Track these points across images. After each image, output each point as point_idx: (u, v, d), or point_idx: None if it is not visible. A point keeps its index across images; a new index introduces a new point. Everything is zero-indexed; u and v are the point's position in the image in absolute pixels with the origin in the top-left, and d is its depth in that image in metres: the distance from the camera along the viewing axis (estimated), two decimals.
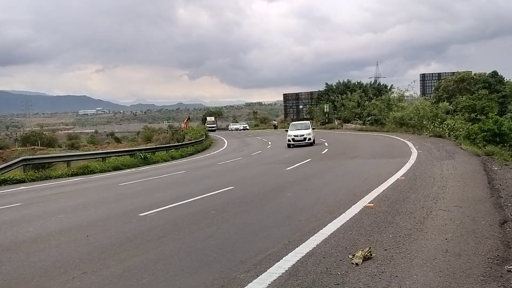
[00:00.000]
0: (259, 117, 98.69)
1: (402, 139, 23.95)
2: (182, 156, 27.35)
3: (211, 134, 52.27)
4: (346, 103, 55.49)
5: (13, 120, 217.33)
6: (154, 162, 23.22)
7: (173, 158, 26.16)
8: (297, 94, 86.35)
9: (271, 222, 6.30)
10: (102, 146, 57.97)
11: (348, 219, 6.06)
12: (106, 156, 22.45)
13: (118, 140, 79.13)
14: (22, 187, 14.34)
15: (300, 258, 4.39)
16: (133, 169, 20.00)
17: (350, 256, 4.34)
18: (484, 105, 44.65)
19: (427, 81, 76.96)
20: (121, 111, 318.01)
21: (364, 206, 6.84)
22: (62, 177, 17.38)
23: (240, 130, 70.82)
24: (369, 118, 43.56)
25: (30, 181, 16.18)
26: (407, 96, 43.20)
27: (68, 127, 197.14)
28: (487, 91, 49.03)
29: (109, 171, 19.47)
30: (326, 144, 25.50)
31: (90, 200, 10.26)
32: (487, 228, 5.21)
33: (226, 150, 30.27)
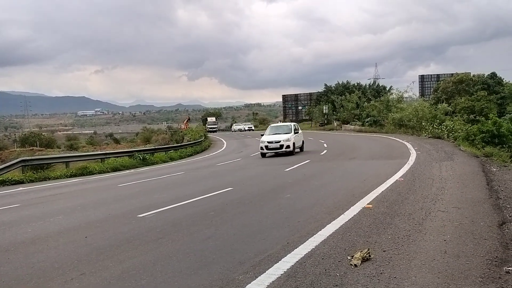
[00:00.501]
0: (258, 118, 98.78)
1: (401, 140, 23.98)
2: (181, 157, 27.34)
3: (210, 135, 52.16)
4: (345, 104, 55.55)
5: (12, 121, 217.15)
6: (153, 163, 23.20)
7: (172, 159, 26.14)
8: (296, 95, 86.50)
9: (270, 223, 6.29)
10: (101, 147, 57.90)
11: (347, 220, 6.06)
12: (105, 157, 22.44)
13: (117, 141, 79.08)
14: (21, 188, 14.32)
15: (299, 259, 4.39)
16: (132, 170, 19.99)
17: (349, 258, 4.34)
18: (483, 106, 44.77)
19: (426, 82, 77.21)
20: (120, 112, 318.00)
21: (363, 207, 6.84)
22: (61, 178, 17.36)
23: (244, 130, 68.45)
24: (368, 119, 43.61)
25: (28, 182, 16.16)
26: (406, 97, 43.28)
27: (67, 128, 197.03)
28: (486, 93, 49.16)
29: (108, 172, 19.45)
30: (325, 145, 25.51)
31: (89, 201, 10.25)
32: (486, 229, 5.22)
33: (225, 151, 30.27)
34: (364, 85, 67.76)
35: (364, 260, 4.23)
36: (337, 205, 7.19)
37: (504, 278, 3.68)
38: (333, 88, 68.44)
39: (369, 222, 5.87)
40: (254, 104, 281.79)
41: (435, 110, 33.89)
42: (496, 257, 4.20)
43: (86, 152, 37.27)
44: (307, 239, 5.13)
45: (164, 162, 24.17)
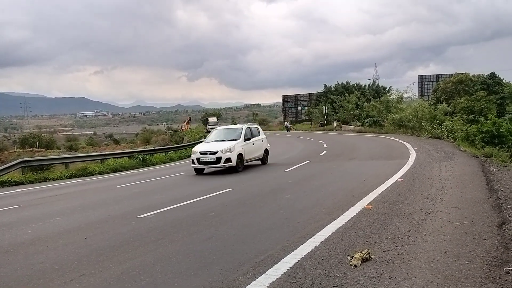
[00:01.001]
0: (258, 119, 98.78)
1: (400, 141, 23.98)
2: (181, 158, 27.31)
3: None
4: (344, 105, 55.60)
5: (12, 122, 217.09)
6: (152, 164, 23.18)
7: (172, 159, 26.12)
8: (296, 96, 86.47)
9: (270, 223, 6.29)
10: (101, 148, 57.91)
11: (346, 220, 6.06)
12: (104, 158, 22.41)
13: (116, 142, 79.06)
14: (21, 189, 14.31)
15: (299, 260, 4.39)
16: (132, 171, 19.97)
17: (349, 258, 4.34)
18: (482, 106, 44.76)
19: (426, 83, 77.23)
20: (119, 113, 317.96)
21: (362, 208, 6.85)
22: (61, 179, 17.34)
23: None
24: (368, 119, 43.63)
25: (28, 183, 16.14)
26: (405, 98, 43.29)
27: (66, 129, 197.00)
28: (486, 93, 49.18)
29: (108, 173, 19.43)
30: (324, 145, 25.51)
31: (89, 202, 10.24)
32: (486, 229, 5.22)
33: None
34: (363, 85, 67.85)
35: (364, 260, 4.23)
36: (337, 206, 7.19)
37: (504, 278, 3.68)
38: (332, 89, 68.48)
39: (369, 223, 5.87)
40: (253, 104, 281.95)
41: (435, 111, 33.93)
42: (496, 257, 4.21)
43: (86, 153, 37.29)
44: (307, 240, 5.13)
45: (164, 163, 24.15)
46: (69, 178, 17.72)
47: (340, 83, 69.46)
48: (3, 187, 15.39)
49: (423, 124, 29.32)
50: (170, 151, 29.21)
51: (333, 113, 59.70)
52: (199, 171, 14.79)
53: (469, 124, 27.83)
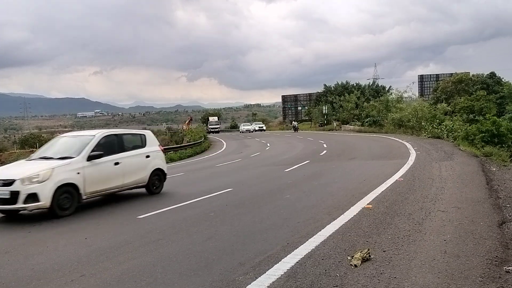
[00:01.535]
0: (257, 119, 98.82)
1: (400, 140, 23.98)
2: (180, 158, 27.30)
3: (209, 136, 51.94)
4: (344, 105, 55.59)
5: (12, 123, 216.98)
6: None
7: (172, 160, 26.08)
8: (295, 96, 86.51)
9: (270, 224, 6.29)
10: None
11: (346, 220, 6.06)
12: None
13: None
14: None
15: (299, 260, 4.39)
16: None
17: (349, 258, 4.34)
18: (482, 106, 44.81)
19: (425, 83, 77.29)
20: (119, 113, 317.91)
21: (362, 208, 6.85)
22: None
23: (254, 131, 60.38)
24: (368, 119, 43.61)
25: None
26: (405, 98, 43.27)
27: (66, 129, 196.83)
28: (485, 92, 49.24)
29: None
30: (324, 145, 25.50)
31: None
32: (486, 229, 5.22)
33: (225, 152, 30.24)
34: (363, 85, 67.83)
35: (364, 260, 4.23)
36: (337, 206, 7.19)
37: (504, 277, 3.68)
38: (332, 89, 68.47)
39: (369, 222, 5.87)
40: (253, 104, 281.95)
41: (435, 110, 33.91)
42: (496, 256, 4.21)
43: None
44: (307, 240, 5.13)
45: None
46: None
47: (339, 83, 69.48)
48: None
49: (423, 123, 29.31)
50: (170, 151, 29.19)
51: (333, 113, 59.70)
52: None
53: (469, 124, 27.86)
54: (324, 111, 59.88)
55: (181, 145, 34.10)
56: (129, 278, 4.26)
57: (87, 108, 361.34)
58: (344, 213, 6.51)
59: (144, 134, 10.81)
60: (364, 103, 51.16)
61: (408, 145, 20.04)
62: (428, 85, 75.36)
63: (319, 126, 60.34)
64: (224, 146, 36.14)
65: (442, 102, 45.77)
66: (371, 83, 70.91)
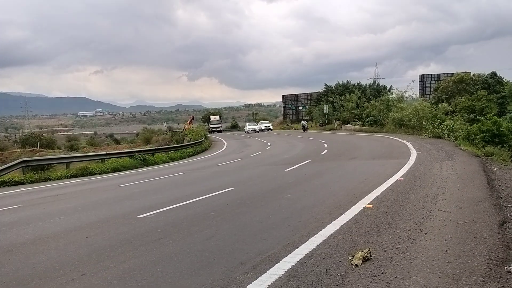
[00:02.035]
0: (258, 118, 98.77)
1: (401, 140, 23.96)
2: (181, 158, 27.32)
3: (210, 135, 51.83)
4: (345, 104, 55.53)
5: (12, 122, 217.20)
6: (153, 164, 23.19)
7: (173, 159, 26.12)
8: (296, 95, 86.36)
9: (271, 223, 6.29)
10: (101, 147, 57.94)
11: (347, 220, 6.06)
12: (105, 157, 22.42)
13: (117, 142, 79.12)
14: (21, 189, 14.32)
15: (300, 259, 4.39)
16: (132, 171, 19.98)
17: (350, 257, 4.33)
18: (483, 105, 44.77)
19: (426, 82, 77.15)
20: (120, 113, 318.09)
21: (363, 207, 6.84)
22: (61, 179, 17.35)
23: (261, 131, 55.68)
24: (368, 119, 43.57)
25: (29, 183, 16.15)
26: (406, 97, 43.23)
27: (67, 128, 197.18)
28: (486, 92, 49.18)
29: (108, 172, 19.44)
30: (325, 145, 25.50)
31: (89, 201, 10.24)
32: (487, 228, 5.22)
33: (226, 151, 30.25)
34: (364, 85, 67.75)
35: (365, 260, 4.23)
36: (338, 205, 7.19)
37: (505, 277, 3.67)
38: (333, 88, 68.40)
39: (370, 222, 5.87)
40: (254, 104, 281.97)
41: (436, 110, 33.87)
42: (497, 256, 4.20)
43: (86, 152, 37.29)
44: (308, 239, 5.13)
45: (164, 163, 24.15)
46: (70, 178, 17.73)
47: (340, 82, 69.40)
48: (4, 187, 15.40)
49: (423, 123, 29.29)
50: (170, 150, 29.20)
51: (334, 112, 59.67)
52: None
53: (469, 124, 27.82)
54: (325, 111, 59.83)
55: (182, 144, 34.09)
56: (130, 277, 4.26)
57: (88, 108, 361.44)
58: (345, 213, 6.51)
59: None
60: (365, 102, 51.10)
61: (409, 145, 20.03)
62: (429, 85, 75.23)
63: (319, 125, 60.29)
64: (225, 145, 36.15)
65: (443, 102, 45.72)
66: (372, 83, 70.87)
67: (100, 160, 21.77)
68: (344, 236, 5.24)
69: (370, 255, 4.33)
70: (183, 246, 5.33)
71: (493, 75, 57.34)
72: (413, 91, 45.63)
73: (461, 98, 49.11)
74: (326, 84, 72.33)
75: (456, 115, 38.86)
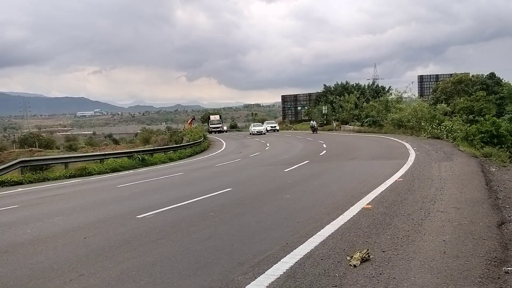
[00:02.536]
0: (257, 119, 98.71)
1: (400, 141, 23.99)
2: (180, 158, 27.31)
3: (209, 135, 51.66)
4: (344, 105, 55.55)
5: (11, 122, 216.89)
6: (152, 164, 23.18)
7: (171, 159, 26.11)
8: (295, 96, 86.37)
9: (269, 223, 6.29)
10: (100, 147, 57.88)
11: (346, 220, 6.06)
12: (104, 157, 22.41)
13: (116, 142, 79.03)
14: (20, 189, 14.29)
15: (298, 260, 4.39)
16: (131, 171, 19.96)
17: (348, 258, 4.33)
18: (482, 106, 44.84)
19: (425, 83, 77.18)
20: (119, 113, 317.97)
21: (362, 208, 6.85)
22: (60, 179, 17.33)
23: (267, 132, 51.01)
24: (367, 119, 43.60)
25: (27, 183, 16.13)
26: (405, 98, 43.27)
27: (66, 128, 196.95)
28: (485, 93, 49.25)
29: (107, 173, 19.43)
30: (324, 145, 25.51)
31: (88, 202, 10.23)
32: (485, 229, 5.22)
33: (224, 151, 30.25)
34: (363, 85, 67.82)
35: (364, 260, 4.23)
36: (336, 206, 7.19)
37: (503, 278, 3.68)
38: (332, 89, 68.45)
39: (368, 223, 5.87)
40: (253, 104, 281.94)
41: (434, 111, 33.90)
42: (495, 257, 4.20)
43: (85, 153, 37.24)
44: (306, 240, 5.13)
45: (163, 163, 24.14)
46: (68, 178, 17.71)
47: (339, 83, 69.44)
48: (2, 187, 15.37)
49: (422, 124, 29.30)
50: (169, 151, 29.20)
51: (333, 113, 59.70)
52: None
53: (468, 124, 27.84)
54: (323, 111, 59.87)
55: (181, 144, 34.08)
56: (128, 277, 4.26)
57: (87, 108, 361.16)
58: (344, 213, 6.51)
59: None
60: (364, 103, 51.13)
61: (408, 146, 20.05)
62: (428, 86, 75.26)
63: (318, 126, 60.39)
64: (224, 146, 36.15)
65: (441, 103, 45.78)
66: (371, 83, 70.93)
67: (99, 160, 21.76)
68: (342, 236, 5.24)
69: (369, 256, 4.33)
70: (181, 246, 5.33)
71: (492, 76, 57.42)
72: (412, 92, 45.68)
73: (460, 98, 49.18)
74: (325, 85, 72.42)
75: (454, 116, 38.88)
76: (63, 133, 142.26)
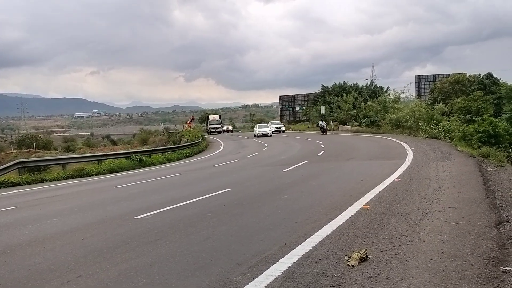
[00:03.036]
0: (255, 119, 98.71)
1: (398, 141, 24.03)
2: (178, 159, 27.28)
3: (207, 136, 51.55)
4: (342, 105, 55.62)
5: (9, 123, 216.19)
6: (150, 165, 23.15)
7: (170, 160, 26.08)
8: (293, 96, 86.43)
9: (268, 224, 6.29)
10: (98, 148, 57.82)
11: (344, 221, 6.06)
12: (102, 158, 22.36)
13: (114, 143, 78.95)
14: (17, 190, 14.26)
15: (296, 260, 4.39)
16: (129, 172, 19.93)
17: (346, 258, 4.34)
18: (479, 106, 45.00)
19: (423, 83, 77.37)
20: (117, 114, 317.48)
21: (360, 208, 6.85)
22: (58, 180, 17.29)
23: (272, 134, 44.81)
24: (365, 119, 43.68)
25: (25, 184, 16.09)
26: (403, 98, 43.38)
27: (63, 129, 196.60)
28: (482, 93, 49.45)
29: (105, 173, 19.39)
30: (322, 146, 25.52)
31: (86, 203, 10.21)
32: (483, 229, 5.24)
33: (223, 152, 30.23)
34: (361, 85, 67.92)
35: (362, 260, 4.24)
36: (335, 206, 7.20)
37: (501, 278, 3.69)
38: (330, 89, 68.51)
39: (366, 223, 5.87)
40: (251, 105, 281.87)
41: (432, 111, 34.02)
42: (493, 257, 4.21)
43: (83, 153, 37.18)
44: (305, 240, 5.13)
45: (161, 164, 24.11)
46: (66, 179, 17.67)
47: (337, 83, 69.51)
48: None
49: (420, 124, 29.38)
50: (167, 151, 29.17)
51: (331, 113, 59.76)
52: None
53: (466, 124, 27.92)
54: (321, 112, 59.91)
55: (179, 145, 34.05)
56: (126, 278, 4.25)
57: (85, 108, 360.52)
58: (342, 214, 6.51)
59: None
60: (362, 103, 51.23)
61: (406, 146, 20.09)
62: (426, 86, 75.47)
63: (316, 126, 60.38)
64: (222, 146, 36.13)
65: (439, 103, 45.89)
66: (368, 84, 71.04)
67: (97, 161, 21.71)
68: (340, 237, 5.25)
69: (367, 256, 4.34)
70: (179, 247, 5.32)
71: (489, 76, 57.65)
72: (410, 92, 45.81)
73: (457, 99, 49.37)
74: (323, 85, 72.48)
75: (452, 116, 39.02)
76: (61, 134, 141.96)
